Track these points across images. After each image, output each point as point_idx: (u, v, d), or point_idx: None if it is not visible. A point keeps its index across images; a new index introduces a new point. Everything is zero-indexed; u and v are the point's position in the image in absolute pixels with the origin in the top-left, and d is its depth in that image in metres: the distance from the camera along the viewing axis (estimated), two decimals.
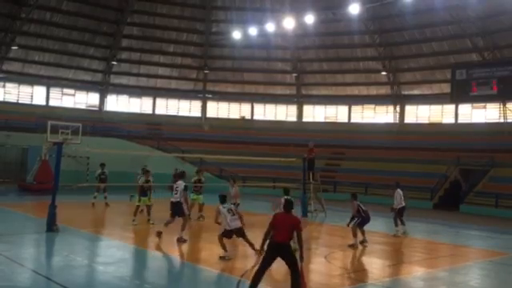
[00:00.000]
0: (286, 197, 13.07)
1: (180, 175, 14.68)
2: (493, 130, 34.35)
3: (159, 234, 13.59)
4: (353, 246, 13.70)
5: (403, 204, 16.96)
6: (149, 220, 16.30)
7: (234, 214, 11.77)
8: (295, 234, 8.31)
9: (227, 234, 11.64)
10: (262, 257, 8.37)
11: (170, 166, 25.30)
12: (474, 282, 10.78)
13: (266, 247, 8.40)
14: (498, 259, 13.29)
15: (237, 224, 11.76)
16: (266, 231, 8.43)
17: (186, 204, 14.17)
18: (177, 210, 13.70)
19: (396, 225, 16.69)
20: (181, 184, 13.86)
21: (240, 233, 11.86)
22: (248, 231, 12.35)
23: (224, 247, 11.48)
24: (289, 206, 8.65)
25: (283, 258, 8.17)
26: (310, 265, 12.40)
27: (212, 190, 18.98)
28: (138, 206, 16.58)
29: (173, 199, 13.81)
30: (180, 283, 10.02)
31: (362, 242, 14.12)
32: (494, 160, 30.29)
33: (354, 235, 13.96)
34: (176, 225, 13.69)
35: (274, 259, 8.21)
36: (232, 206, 12.35)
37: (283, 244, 8.15)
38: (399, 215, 16.81)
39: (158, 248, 13.32)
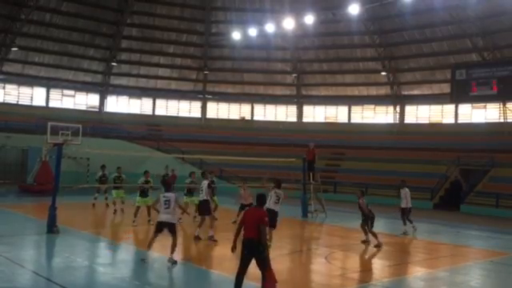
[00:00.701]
0: (276, 190, 13.56)
1: (203, 174, 15.50)
2: (493, 130, 34.35)
3: (197, 239, 13.88)
4: (378, 246, 13.80)
5: (410, 205, 17.12)
6: (149, 221, 16.30)
7: (168, 207, 11.03)
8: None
9: (157, 225, 11.17)
10: (240, 257, 8.23)
11: (170, 166, 25.25)
12: (474, 282, 10.78)
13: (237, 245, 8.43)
14: (499, 259, 13.28)
15: (168, 218, 11.00)
16: (237, 228, 8.42)
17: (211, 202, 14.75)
18: (205, 208, 14.11)
19: (405, 223, 16.98)
20: (204, 183, 14.25)
21: (170, 229, 11.04)
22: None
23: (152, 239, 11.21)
24: (260, 199, 8.50)
25: (253, 255, 8.03)
26: (311, 265, 12.41)
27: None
28: (139, 207, 16.59)
29: (200, 198, 14.29)
30: (180, 284, 10.01)
31: (365, 242, 14.07)
32: (494, 160, 30.27)
33: (371, 234, 14.18)
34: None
35: (251, 256, 8.06)
36: (172, 196, 11.14)
37: (252, 240, 8.01)
38: (406, 215, 16.98)
39: (158, 249, 13.30)
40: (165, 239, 14.98)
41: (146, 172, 17.15)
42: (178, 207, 11.65)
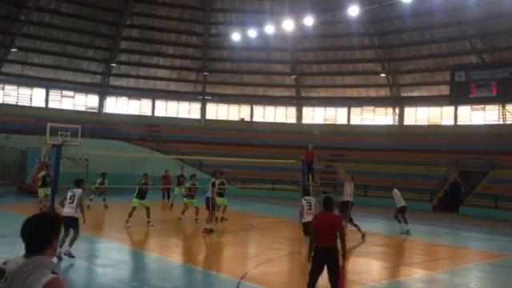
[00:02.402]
0: (306, 197, 13.07)
1: (213, 174, 16.85)
2: (492, 131, 34.37)
3: (210, 231, 14.89)
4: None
5: (403, 204, 17.21)
6: (148, 222, 16.31)
7: (71, 202, 11.21)
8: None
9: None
10: (311, 267, 7.69)
11: (169, 167, 25.28)
12: (473, 284, 10.78)
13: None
14: (498, 261, 13.28)
15: (68, 212, 11.04)
16: (311, 236, 7.78)
17: (214, 199, 15.78)
18: (206, 204, 15.58)
19: (400, 222, 17.04)
20: (211, 182, 15.81)
21: (69, 224, 10.75)
22: (248, 233, 12.32)
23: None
24: (328, 204, 7.92)
25: (327, 263, 7.56)
26: (309, 267, 12.39)
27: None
28: (134, 208, 16.60)
29: (206, 195, 15.76)
30: (179, 285, 10.01)
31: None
32: (494, 162, 30.28)
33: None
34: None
35: (324, 266, 7.59)
36: (77, 192, 11.42)
37: (328, 248, 7.54)
38: (401, 214, 17.08)
39: (157, 250, 13.31)
40: (165, 240, 14.99)
41: (144, 174, 17.18)
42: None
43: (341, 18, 34.00)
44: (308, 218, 11.93)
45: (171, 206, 22.48)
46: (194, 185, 18.06)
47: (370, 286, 9.94)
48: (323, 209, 8.07)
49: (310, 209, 12.51)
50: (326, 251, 7.55)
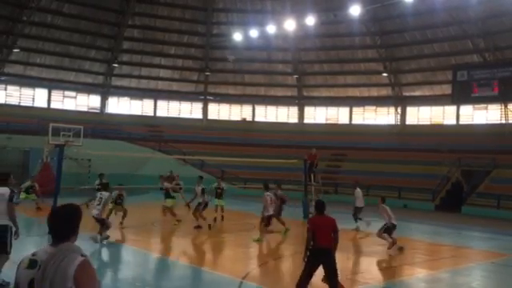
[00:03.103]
0: (267, 192, 14.61)
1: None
2: (494, 131, 34.29)
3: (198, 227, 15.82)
4: (402, 250, 13.32)
5: (363, 204, 17.57)
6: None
7: (98, 204, 13.00)
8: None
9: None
10: (304, 267, 7.87)
11: (171, 168, 25.29)
12: (475, 284, 10.76)
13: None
14: (500, 260, 13.26)
15: (95, 213, 12.94)
16: (308, 237, 7.89)
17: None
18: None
19: (356, 221, 17.36)
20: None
21: (100, 222, 13.01)
22: (250, 233, 12.33)
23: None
24: (320, 207, 8.21)
25: (324, 264, 7.73)
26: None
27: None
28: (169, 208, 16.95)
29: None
30: (181, 285, 10.00)
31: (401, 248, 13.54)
32: (496, 161, 30.25)
33: (384, 238, 13.63)
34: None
35: (319, 266, 7.76)
36: (105, 195, 13.18)
37: (325, 249, 7.71)
38: (358, 213, 17.37)
39: (160, 250, 13.32)
40: (167, 240, 15.01)
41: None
42: None
43: (342, 18, 33.93)
44: (271, 211, 14.48)
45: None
46: (178, 184, 18.49)
47: (372, 286, 9.93)
48: (316, 212, 8.35)
49: (272, 202, 14.46)
50: (322, 252, 7.71)
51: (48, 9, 36.67)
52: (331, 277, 7.72)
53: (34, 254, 3.14)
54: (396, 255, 13.06)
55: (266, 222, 14.51)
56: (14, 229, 8.15)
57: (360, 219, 17.60)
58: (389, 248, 13.36)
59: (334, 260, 7.77)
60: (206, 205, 16.86)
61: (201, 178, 17.76)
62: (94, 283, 3.07)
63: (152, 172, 21.69)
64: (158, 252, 13.09)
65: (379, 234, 13.77)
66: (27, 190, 19.76)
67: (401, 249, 13.40)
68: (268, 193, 14.83)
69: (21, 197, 18.53)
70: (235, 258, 12.61)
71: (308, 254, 7.83)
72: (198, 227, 15.94)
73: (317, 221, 8.06)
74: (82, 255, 3.08)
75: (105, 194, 13.14)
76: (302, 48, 41.68)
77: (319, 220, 8.06)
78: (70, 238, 3.18)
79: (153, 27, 40.88)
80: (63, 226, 3.17)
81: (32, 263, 3.07)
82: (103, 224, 12.95)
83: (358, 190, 17.89)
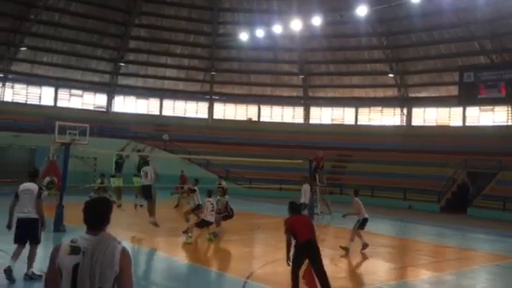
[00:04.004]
0: (208, 199, 13.95)
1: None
2: (501, 132, 34.11)
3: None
4: (347, 251, 12.89)
5: (303, 200, 17.42)
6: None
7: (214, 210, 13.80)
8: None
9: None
10: (292, 262, 8.09)
11: (176, 167, 25.38)
12: (480, 286, 10.73)
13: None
14: (506, 263, 13.20)
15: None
16: (287, 238, 8.09)
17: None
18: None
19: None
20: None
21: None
22: (255, 233, 12.33)
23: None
24: (296, 207, 8.63)
25: (310, 256, 8.00)
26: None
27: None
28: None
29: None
30: (186, 285, 10.04)
31: (364, 247, 13.36)
32: (502, 163, 30.10)
33: (352, 239, 13.24)
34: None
35: (305, 259, 8.07)
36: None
37: (312, 241, 8.04)
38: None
39: (164, 249, 13.36)
40: (172, 239, 15.05)
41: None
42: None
43: (349, 18, 33.93)
44: (210, 219, 13.75)
45: (176, 205, 22.60)
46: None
47: (376, 287, 9.92)
48: (291, 213, 8.45)
49: (213, 210, 13.85)
50: (307, 244, 7.97)
51: (55, 7, 36.85)
52: (319, 266, 7.97)
53: (73, 241, 3.46)
54: (401, 256, 13.02)
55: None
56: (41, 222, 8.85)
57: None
58: (363, 249, 13.16)
59: (319, 249, 8.08)
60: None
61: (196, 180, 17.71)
62: (131, 267, 3.53)
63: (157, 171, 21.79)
64: (161, 251, 13.13)
65: (355, 232, 13.35)
66: (48, 186, 19.87)
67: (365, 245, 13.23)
68: (210, 199, 14.00)
69: (45, 193, 18.68)
70: (240, 257, 12.63)
71: (293, 251, 8.04)
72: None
73: (293, 220, 8.25)
74: (119, 243, 3.50)
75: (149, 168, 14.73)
76: (308, 48, 41.66)
77: (296, 219, 8.29)
78: (104, 227, 3.55)
79: (159, 27, 40.99)
80: (99, 216, 3.55)
81: (75, 249, 3.39)
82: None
83: (306, 186, 17.74)
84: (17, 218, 8.61)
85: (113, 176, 19.64)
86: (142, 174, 15.23)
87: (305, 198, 17.82)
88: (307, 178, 18.56)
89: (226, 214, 14.86)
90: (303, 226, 8.15)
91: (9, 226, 8.63)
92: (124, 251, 3.46)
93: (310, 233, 8.07)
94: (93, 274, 3.30)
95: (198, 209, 15.25)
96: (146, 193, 15.11)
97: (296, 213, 8.49)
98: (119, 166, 19.34)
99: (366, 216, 13.51)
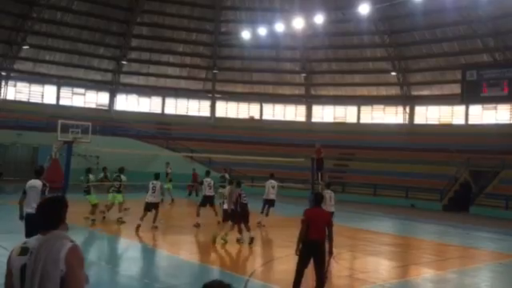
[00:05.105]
0: (153, 181, 15.25)
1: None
2: (503, 131, 33.99)
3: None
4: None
5: (271, 197, 17.33)
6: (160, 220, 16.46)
7: (153, 192, 15.00)
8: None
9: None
10: (298, 261, 8.05)
11: (179, 165, 25.42)
12: (483, 285, 10.71)
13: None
14: (508, 261, 13.18)
15: (151, 199, 15.00)
16: (301, 230, 8.00)
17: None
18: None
19: (262, 212, 17.17)
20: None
21: (152, 207, 15.11)
22: (257, 231, 12.31)
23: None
24: (319, 199, 8.41)
25: (315, 257, 7.90)
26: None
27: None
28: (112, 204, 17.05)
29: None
30: (188, 282, 10.05)
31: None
32: (505, 162, 30.01)
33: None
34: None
35: (310, 258, 7.96)
36: (157, 184, 15.24)
37: (317, 241, 7.88)
38: (268, 206, 17.26)
39: (167, 247, 13.37)
40: (175, 237, 15.08)
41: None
42: None
43: (351, 16, 33.86)
44: (152, 199, 15.04)
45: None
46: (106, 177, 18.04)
47: (379, 286, 9.91)
48: (313, 204, 8.43)
49: (154, 192, 15.11)
50: (314, 244, 7.85)
51: (58, 6, 36.88)
52: (319, 268, 7.90)
53: (25, 243, 3.32)
54: (404, 254, 13.00)
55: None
56: None
57: (267, 213, 17.42)
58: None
59: (324, 252, 7.94)
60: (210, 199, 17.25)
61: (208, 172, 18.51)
62: (83, 266, 3.28)
63: (159, 170, 21.75)
64: (164, 249, 13.15)
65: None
66: None
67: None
68: (154, 181, 15.37)
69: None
70: (242, 255, 12.63)
71: (301, 246, 7.96)
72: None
73: (312, 213, 8.16)
74: (71, 241, 3.29)
75: (157, 183, 15.19)
76: (310, 46, 41.61)
77: (315, 212, 8.18)
78: (59, 227, 3.38)
79: (161, 25, 40.99)
80: (50, 215, 3.40)
81: (24, 250, 3.24)
82: (156, 209, 14.98)
83: (269, 182, 17.85)
84: (25, 213, 9.04)
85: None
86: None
87: (272, 195, 17.55)
88: (273, 174, 18.60)
89: (232, 208, 13.45)
90: (318, 222, 7.94)
91: (22, 217, 9.11)
92: (73, 249, 3.23)
93: (320, 232, 7.90)
94: (35, 273, 3.14)
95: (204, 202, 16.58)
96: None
97: (317, 205, 8.31)
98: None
99: (333, 210, 14.03)
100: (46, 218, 3.40)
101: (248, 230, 13.08)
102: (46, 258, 3.16)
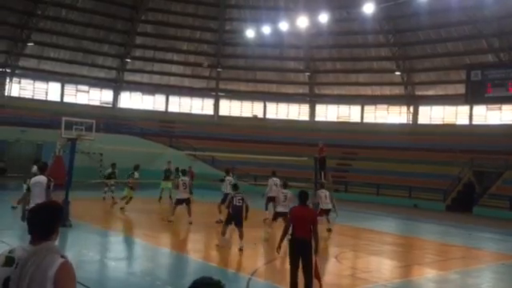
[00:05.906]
0: (182, 178, 15.99)
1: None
2: (508, 131, 33.85)
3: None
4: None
5: (271, 194, 17.22)
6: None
7: (185, 188, 15.50)
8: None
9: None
10: (289, 259, 8.10)
11: (182, 163, 25.35)
12: (485, 285, 10.69)
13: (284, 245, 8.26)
14: (511, 262, 13.14)
15: (183, 195, 15.57)
16: (284, 228, 8.20)
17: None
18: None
19: (266, 209, 17.26)
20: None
21: (184, 202, 15.62)
22: (259, 230, 12.28)
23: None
24: (304, 197, 8.31)
25: (301, 255, 7.93)
26: (321, 265, 12.38)
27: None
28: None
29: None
30: (191, 280, 10.06)
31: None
32: (509, 162, 29.91)
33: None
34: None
35: (300, 256, 7.97)
36: (187, 180, 16.04)
37: (303, 240, 7.87)
38: (268, 201, 17.31)
39: (170, 245, 13.39)
40: (178, 235, 15.11)
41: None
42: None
43: (356, 16, 33.79)
44: (184, 196, 15.62)
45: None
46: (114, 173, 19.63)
47: (381, 285, 9.90)
48: (299, 202, 8.38)
49: (185, 188, 15.76)
50: (300, 242, 7.86)
51: (62, 3, 36.96)
52: (306, 270, 7.88)
53: (11, 252, 3.03)
54: (406, 254, 12.97)
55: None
56: None
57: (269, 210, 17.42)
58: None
59: (311, 253, 7.91)
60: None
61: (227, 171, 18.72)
62: (75, 286, 2.98)
63: (163, 167, 21.78)
64: (167, 246, 13.17)
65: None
66: None
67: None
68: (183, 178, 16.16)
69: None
70: (244, 254, 12.63)
71: (288, 245, 8.04)
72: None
73: (297, 211, 8.22)
74: (62, 256, 2.97)
75: (187, 179, 15.91)
76: (314, 45, 41.56)
77: (300, 211, 8.21)
78: (51, 237, 3.08)
79: (166, 23, 41.02)
80: (44, 224, 3.08)
81: (9, 260, 2.96)
82: (188, 204, 15.50)
83: (272, 180, 17.92)
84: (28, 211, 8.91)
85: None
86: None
87: (271, 192, 17.60)
88: (274, 172, 18.82)
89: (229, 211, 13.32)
90: (303, 220, 7.97)
91: (24, 219, 8.85)
92: (64, 267, 2.91)
93: (305, 231, 7.88)
94: None
95: (225, 199, 15.99)
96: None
97: (302, 203, 8.28)
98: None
99: (326, 207, 15.36)
100: (39, 227, 3.07)
101: (240, 236, 12.32)
102: (32, 274, 2.84)
